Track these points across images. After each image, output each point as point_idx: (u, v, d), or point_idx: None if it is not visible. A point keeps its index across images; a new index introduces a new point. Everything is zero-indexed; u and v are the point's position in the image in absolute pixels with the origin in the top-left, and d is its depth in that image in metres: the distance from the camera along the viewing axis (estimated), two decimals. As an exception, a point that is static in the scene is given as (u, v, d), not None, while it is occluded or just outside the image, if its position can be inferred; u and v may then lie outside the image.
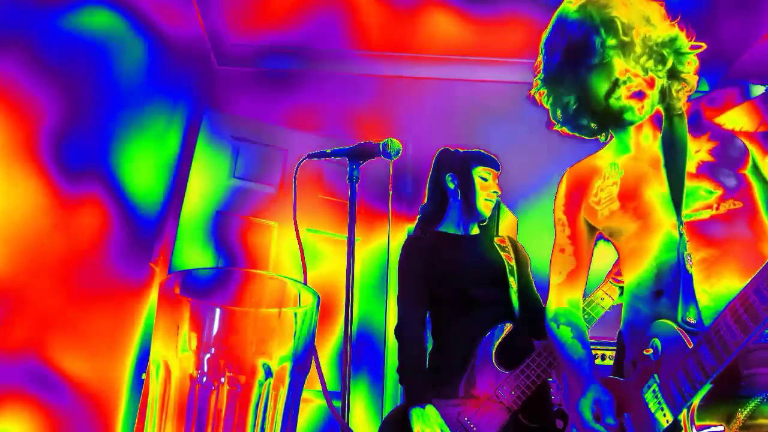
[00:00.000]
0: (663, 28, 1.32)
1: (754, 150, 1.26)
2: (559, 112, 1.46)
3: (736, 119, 1.29)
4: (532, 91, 1.49)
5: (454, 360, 1.98)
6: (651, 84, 1.32)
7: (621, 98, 1.32)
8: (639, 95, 1.32)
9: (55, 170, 2.00)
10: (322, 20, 3.53)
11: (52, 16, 1.96)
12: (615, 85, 1.32)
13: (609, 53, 1.29)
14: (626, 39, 1.28)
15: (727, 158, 1.26)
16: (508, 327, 1.99)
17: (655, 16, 1.32)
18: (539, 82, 1.46)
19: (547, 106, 1.48)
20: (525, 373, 1.92)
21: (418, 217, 2.29)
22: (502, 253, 2.15)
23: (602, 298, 2.03)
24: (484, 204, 2.15)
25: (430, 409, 1.85)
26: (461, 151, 2.27)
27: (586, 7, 1.33)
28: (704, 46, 1.36)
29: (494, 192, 2.16)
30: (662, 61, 1.32)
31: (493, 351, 1.95)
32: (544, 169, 2.83)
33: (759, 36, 3.08)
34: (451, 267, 2.06)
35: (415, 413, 1.84)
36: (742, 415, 1.09)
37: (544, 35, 1.43)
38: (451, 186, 2.19)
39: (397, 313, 2.08)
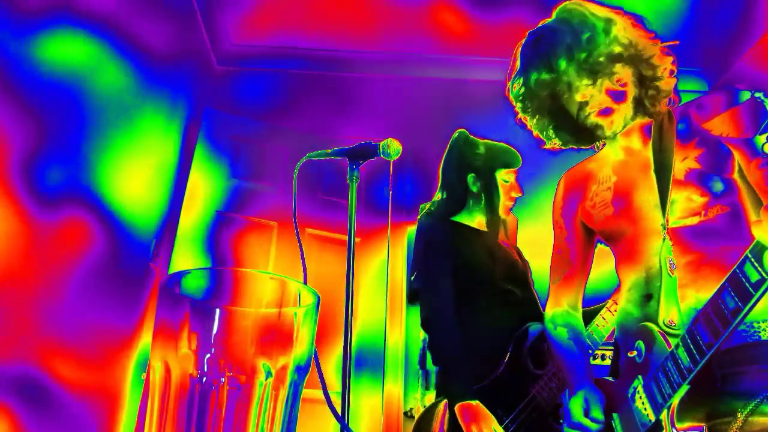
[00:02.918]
0: (622, 37, 1.31)
1: (738, 156, 1.27)
2: (542, 133, 1.53)
3: (722, 126, 1.30)
4: (519, 117, 1.54)
5: (483, 356, 1.89)
6: (619, 98, 1.34)
7: (590, 117, 1.36)
8: (606, 111, 1.34)
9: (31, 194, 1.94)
10: (320, 20, 3.54)
11: (31, 30, 1.95)
12: (580, 107, 1.36)
13: (564, 79, 1.34)
14: (580, 59, 1.30)
15: (714, 164, 1.27)
16: (538, 326, 1.93)
17: (617, 27, 1.32)
18: (518, 110, 1.51)
19: (531, 128, 1.54)
20: (557, 374, 1.86)
21: (431, 206, 2.18)
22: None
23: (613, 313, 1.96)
24: (505, 207, 2.12)
25: (481, 407, 1.74)
26: (482, 142, 2.18)
27: (539, 41, 1.37)
28: (675, 42, 1.36)
29: (514, 195, 2.13)
30: (612, 73, 1.31)
31: (527, 350, 1.89)
32: (542, 171, 2.82)
33: (755, 39, 3.08)
34: (479, 261, 2.00)
35: (465, 410, 1.73)
36: (741, 415, 1.10)
37: (510, 77, 1.48)
38: (474, 189, 2.13)
39: (424, 305, 1.97)
